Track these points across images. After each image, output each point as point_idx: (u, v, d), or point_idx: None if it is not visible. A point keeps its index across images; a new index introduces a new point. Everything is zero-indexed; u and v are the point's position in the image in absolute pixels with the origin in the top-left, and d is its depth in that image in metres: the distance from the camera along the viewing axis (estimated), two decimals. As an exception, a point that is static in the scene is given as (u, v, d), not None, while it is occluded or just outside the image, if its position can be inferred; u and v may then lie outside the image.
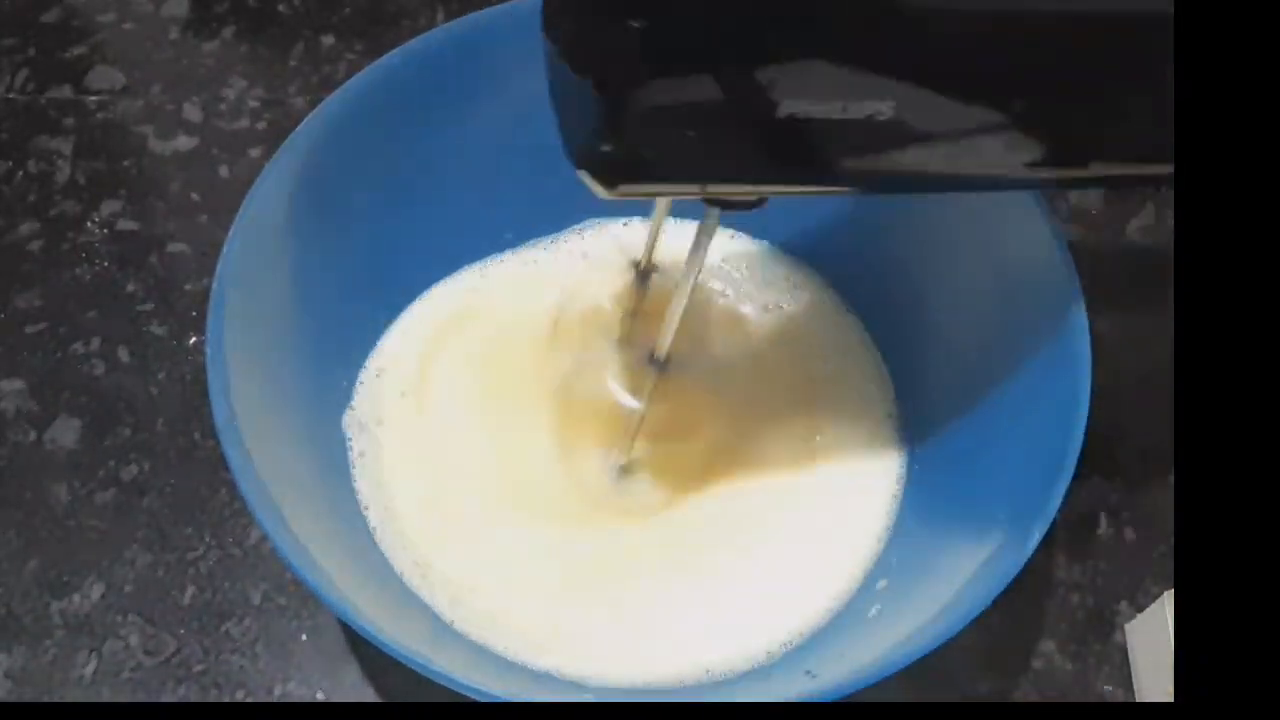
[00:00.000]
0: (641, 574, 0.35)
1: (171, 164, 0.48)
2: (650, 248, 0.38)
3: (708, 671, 0.33)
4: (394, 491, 0.36)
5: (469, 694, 0.26)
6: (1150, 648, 0.35)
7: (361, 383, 0.38)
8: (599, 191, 0.25)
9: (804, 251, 0.42)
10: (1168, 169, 0.26)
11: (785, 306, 0.41)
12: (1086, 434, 0.41)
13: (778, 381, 0.39)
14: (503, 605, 0.34)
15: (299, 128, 0.34)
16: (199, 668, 0.36)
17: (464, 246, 0.41)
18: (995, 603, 0.37)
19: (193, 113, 0.50)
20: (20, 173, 0.48)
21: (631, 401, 0.38)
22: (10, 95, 0.51)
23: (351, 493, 0.36)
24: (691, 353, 0.39)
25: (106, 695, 0.35)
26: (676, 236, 0.39)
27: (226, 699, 0.35)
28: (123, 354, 0.43)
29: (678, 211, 0.40)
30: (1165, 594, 0.35)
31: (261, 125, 0.39)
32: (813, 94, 0.23)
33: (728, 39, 0.22)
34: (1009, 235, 0.34)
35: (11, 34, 0.53)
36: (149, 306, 0.44)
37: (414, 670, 0.26)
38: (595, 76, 0.23)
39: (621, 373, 0.39)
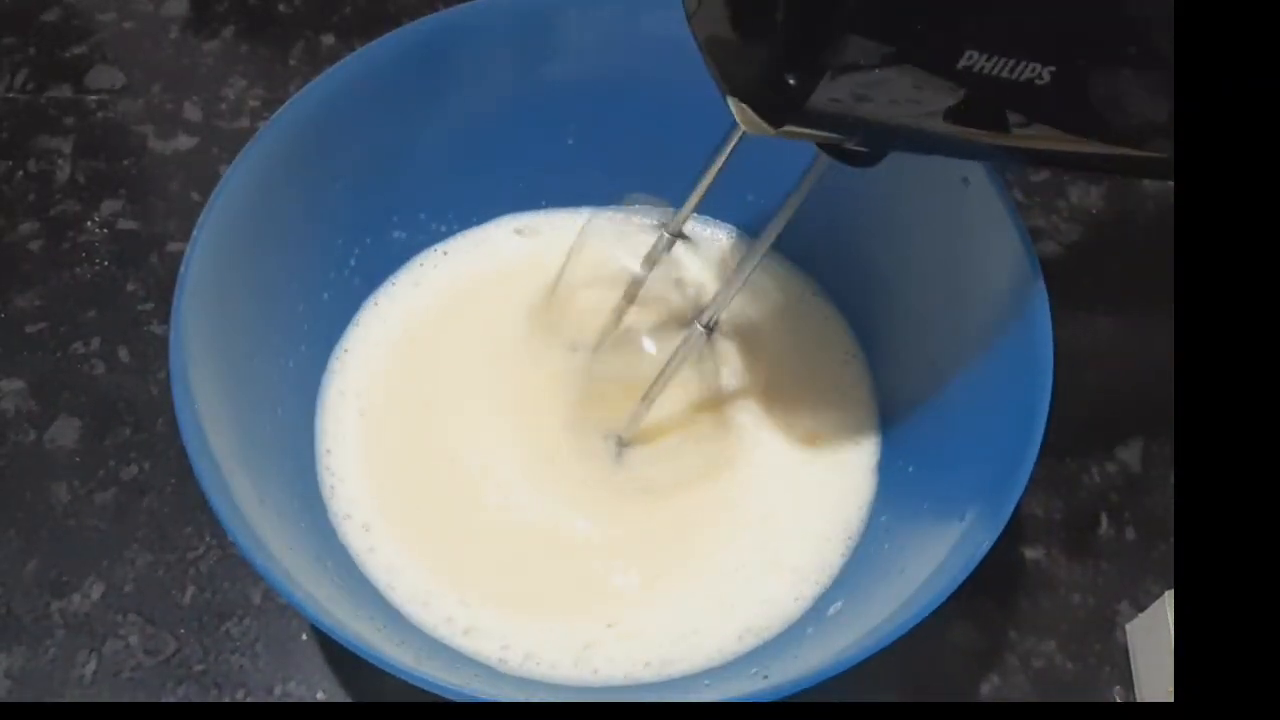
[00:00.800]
0: (608, 576, 0.35)
1: (171, 163, 0.48)
2: (681, 222, 0.38)
3: (652, 667, 0.33)
4: (358, 488, 0.37)
5: (434, 691, 0.27)
6: (1151, 648, 0.35)
7: (334, 372, 0.39)
8: (757, 128, 0.25)
9: (787, 248, 0.42)
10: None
11: (770, 301, 0.42)
12: (1087, 434, 0.41)
13: (750, 374, 0.40)
14: (465, 608, 0.34)
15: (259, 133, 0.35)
16: (199, 667, 0.36)
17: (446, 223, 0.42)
18: (996, 602, 0.38)
19: (193, 112, 0.50)
20: (20, 172, 0.48)
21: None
22: (10, 94, 0.51)
23: (322, 499, 0.36)
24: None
25: (107, 695, 0.35)
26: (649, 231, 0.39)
27: (227, 699, 0.35)
28: (123, 353, 0.43)
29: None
30: (1166, 594, 0.35)
31: (261, 125, 0.39)
32: (991, 46, 0.23)
33: None
34: (976, 232, 0.35)
35: (11, 33, 0.53)
36: (149, 306, 0.44)
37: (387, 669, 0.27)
38: (789, 13, 0.23)
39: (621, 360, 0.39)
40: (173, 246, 0.46)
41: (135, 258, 0.45)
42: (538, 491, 0.37)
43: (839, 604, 0.33)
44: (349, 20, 0.54)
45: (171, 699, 0.35)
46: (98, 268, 0.45)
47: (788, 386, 0.39)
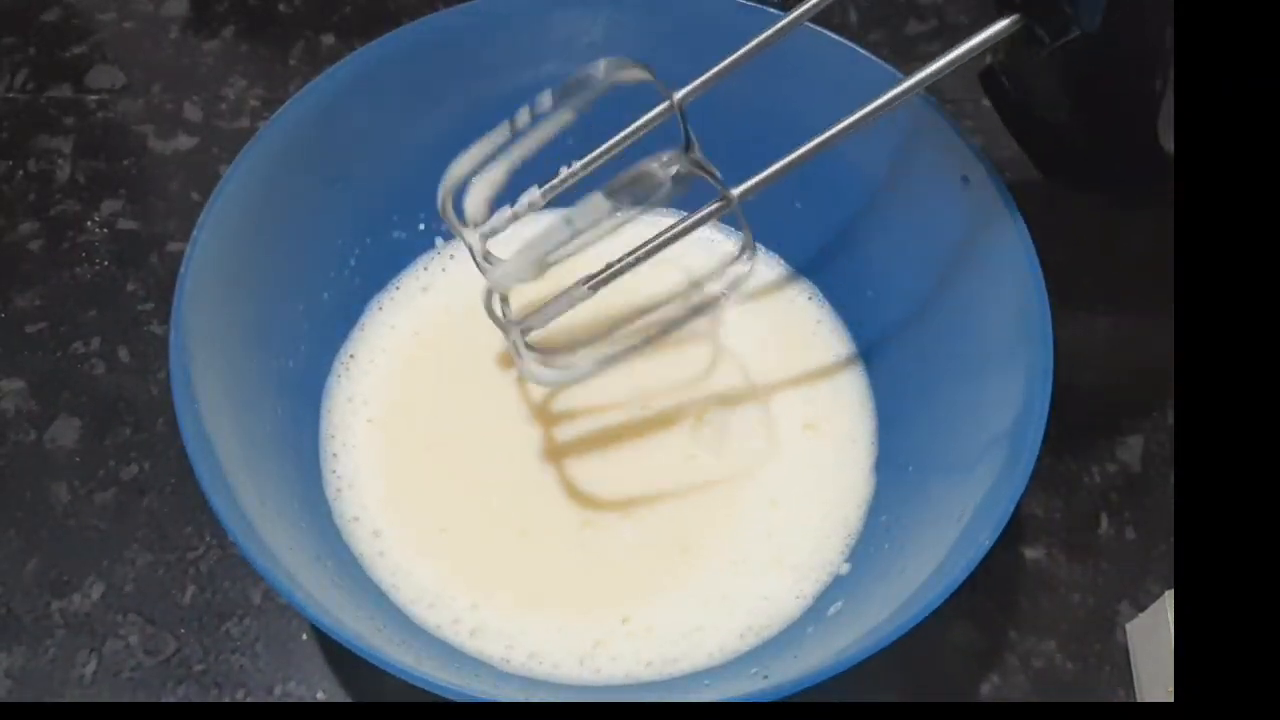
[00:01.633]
0: (615, 575, 0.35)
1: (172, 163, 0.48)
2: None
3: (654, 666, 0.33)
4: (367, 492, 0.37)
5: (432, 690, 0.27)
6: (1151, 648, 0.35)
7: (340, 377, 0.39)
8: None
9: (785, 249, 0.43)
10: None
11: (768, 301, 0.42)
12: (1087, 434, 0.41)
13: (750, 374, 0.40)
14: (474, 610, 0.34)
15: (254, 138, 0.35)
16: (199, 667, 0.36)
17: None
18: (996, 602, 0.38)
19: (193, 112, 0.50)
20: (20, 172, 0.48)
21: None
22: (10, 94, 0.51)
23: (326, 499, 0.36)
24: (669, 344, 0.40)
25: (107, 695, 0.35)
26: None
27: (227, 699, 0.35)
28: (123, 353, 0.43)
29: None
30: (1166, 594, 0.35)
31: (262, 125, 0.39)
32: None
33: None
34: (976, 232, 0.35)
35: (11, 33, 0.53)
36: (149, 306, 0.44)
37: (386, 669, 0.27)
38: None
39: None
40: (173, 246, 0.46)
41: (135, 257, 0.45)
42: (546, 493, 0.37)
43: (839, 604, 0.33)
44: (349, 20, 0.54)
45: (171, 699, 0.35)
46: (98, 267, 0.45)
47: (786, 386, 0.39)
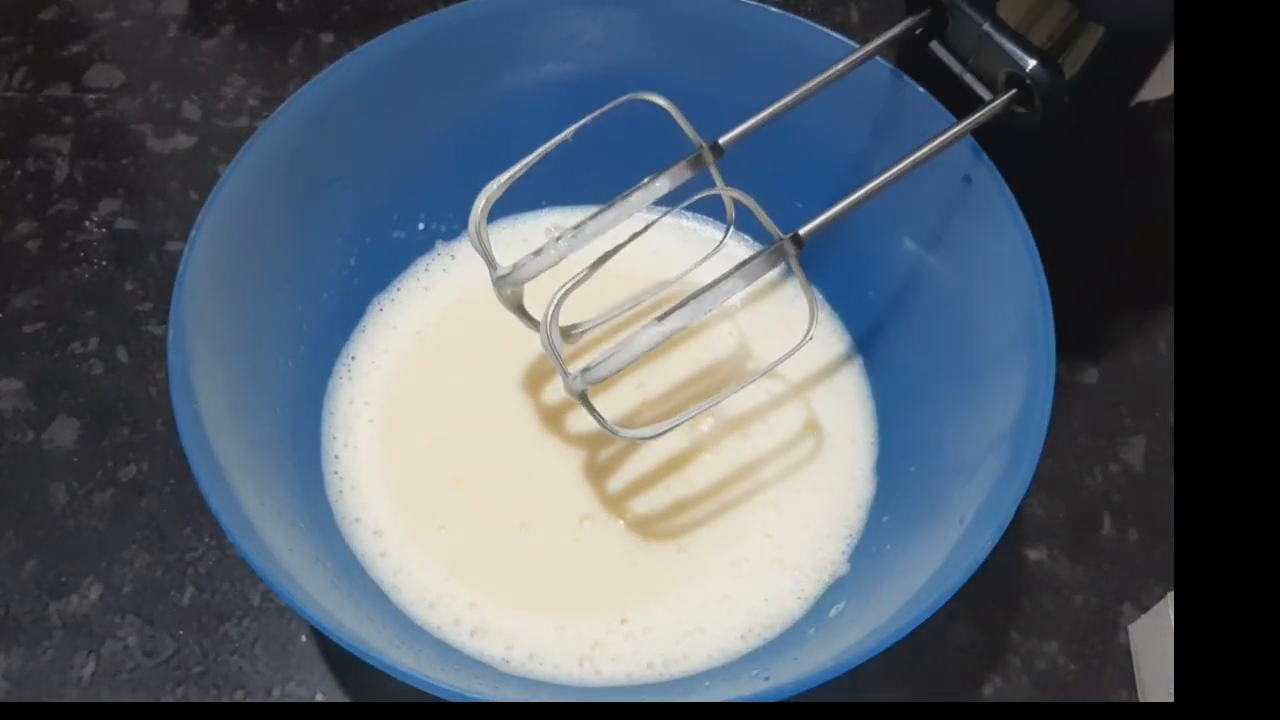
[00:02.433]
0: (616, 575, 0.35)
1: (170, 162, 0.48)
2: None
3: (655, 667, 0.33)
4: (369, 493, 0.37)
5: (431, 691, 0.26)
6: (1154, 648, 0.35)
7: (342, 378, 0.39)
8: None
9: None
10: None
11: (766, 302, 0.42)
12: (1089, 434, 0.41)
13: (750, 374, 0.39)
14: (474, 610, 0.34)
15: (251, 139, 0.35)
16: (198, 668, 0.36)
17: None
18: (999, 603, 0.37)
19: (191, 111, 0.50)
20: (18, 171, 0.48)
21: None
22: (8, 93, 0.50)
23: (328, 501, 0.36)
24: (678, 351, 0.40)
25: (105, 696, 0.35)
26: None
27: (226, 700, 0.35)
28: (121, 354, 0.43)
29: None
30: (1168, 595, 0.35)
31: (260, 124, 0.39)
32: None
33: None
34: (977, 231, 0.35)
35: (9, 32, 0.53)
36: (147, 306, 0.44)
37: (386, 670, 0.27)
38: None
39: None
40: (171, 246, 0.46)
41: (134, 257, 0.45)
42: (546, 488, 0.37)
43: (841, 605, 0.33)
44: (348, 19, 0.54)
45: (170, 700, 0.35)
46: (96, 267, 0.45)
47: (786, 386, 0.39)
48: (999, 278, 0.33)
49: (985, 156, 0.34)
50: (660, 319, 0.31)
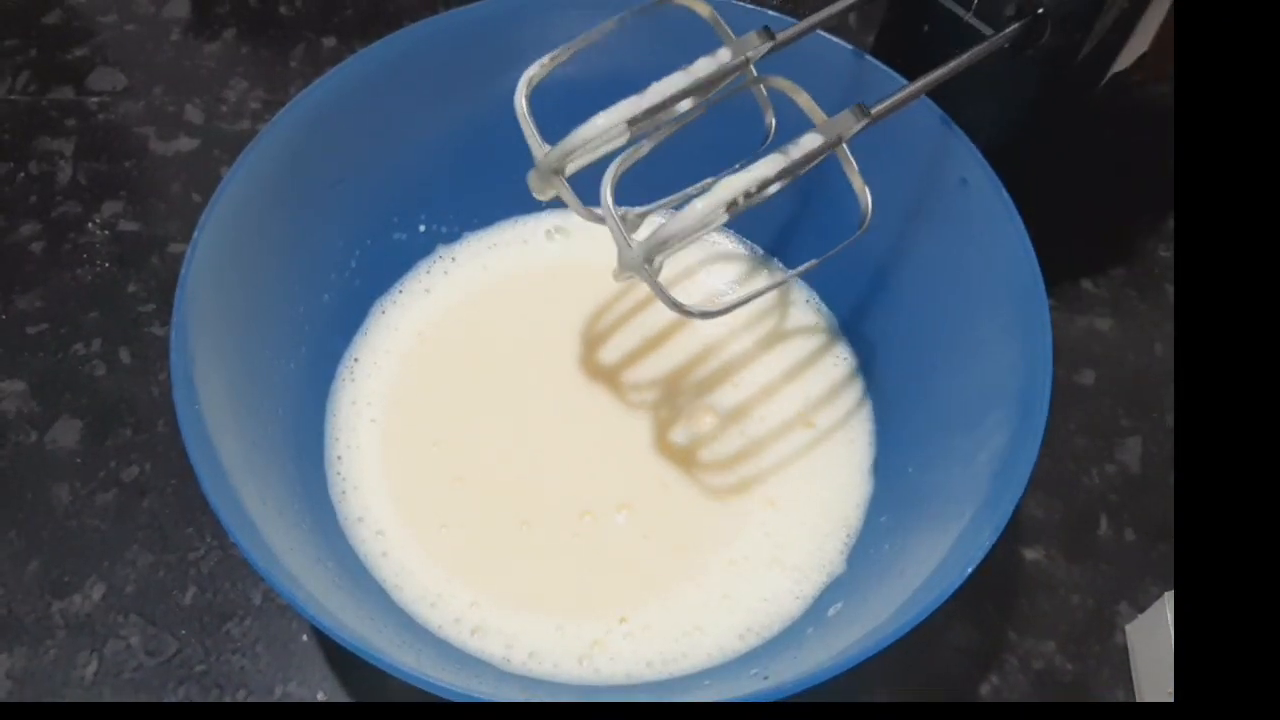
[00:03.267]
0: (616, 574, 0.35)
1: (173, 165, 0.48)
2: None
3: (654, 666, 0.34)
4: (371, 493, 0.37)
5: (431, 691, 0.26)
6: (1151, 648, 0.35)
7: (344, 380, 0.39)
8: None
9: (782, 249, 0.43)
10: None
11: (765, 302, 0.42)
12: (1086, 435, 0.41)
13: (749, 373, 0.40)
14: (475, 609, 0.34)
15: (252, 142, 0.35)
16: (200, 668, 0.36)
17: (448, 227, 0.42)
18: (996, 603, 0.38)
19: (194, 114, 0.50)
20: (22, 174, 0.48)
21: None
22: (12, 96, 0.51)
23: (331, 497, 0.36)
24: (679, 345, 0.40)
25: (108, 696, 0.35)
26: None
27: (228, 699, 0.35)
28: (124, 355, 0.43)
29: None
30: (1166, 594, 0.35)
31: (263, 126, 0.39)
32: None
33: None
34: (975, 232, 0.35)
35: (13, 35, 0.53)
36: (150, 307, 0.44)
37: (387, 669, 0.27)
38: None
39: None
40: (174, 248, 0.46)
41: (136, 259, 0.45)
42: (546, 485, 0.37)
43: (839, 605, 0.33)
44: (350, 22, 0.54)
45: (172, 699, 0.35)
46: (99, 269, 0.45)
47: (785, 386, 0.39)
48: (996, 278, 0.34)
49: (982, 158, 0.34)
50: (738, 169, 0.29)
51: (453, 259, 0.42)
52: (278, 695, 0.36)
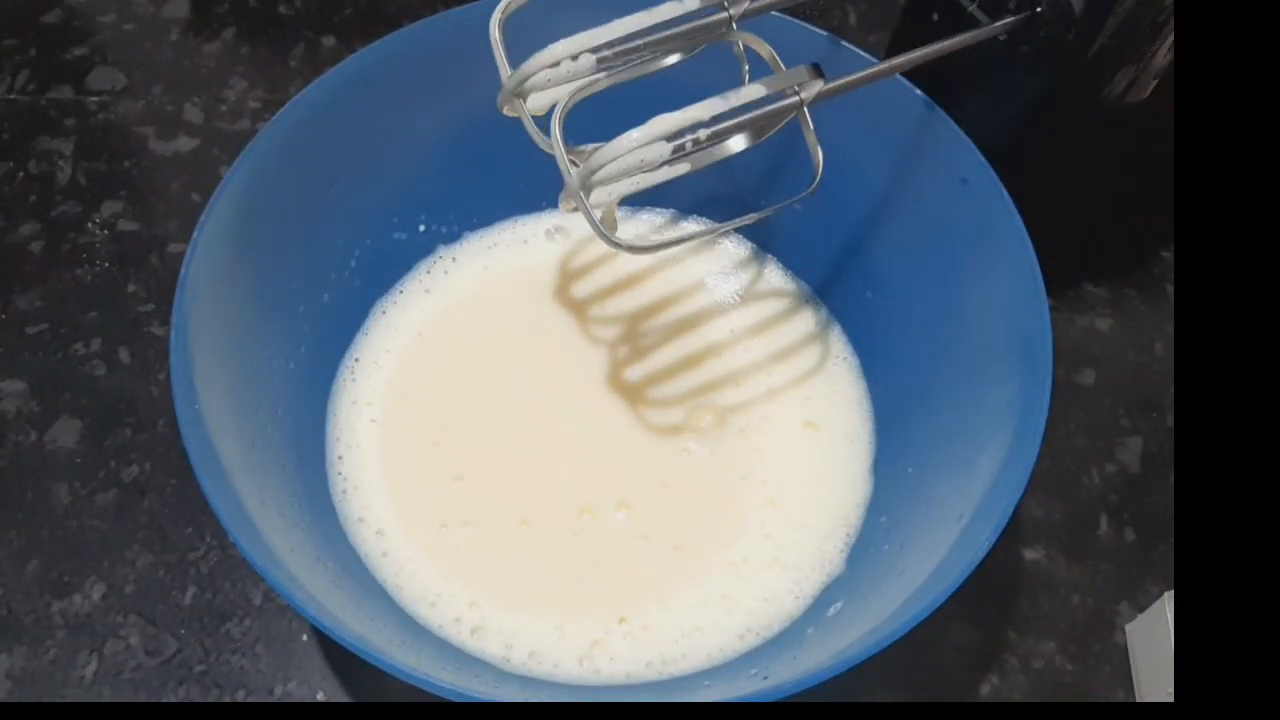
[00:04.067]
0: (616, 574, 0.35)
1: (172, 164, 0.48)
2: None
3: (654, 667, 0.34)
4: (372, 493, 0.37)
5: (431, 691, 0.26)
6: (1151, 648, 0.35)
7: (345, 380, 0.39)
8: None
9: (782, 249, 0.43)
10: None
11: (765, 302, 0.42)
12: (1086, 435, 0.41)
13: (749, 373, 0.40)
14: (474, 609, 0.34)
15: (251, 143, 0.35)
16: (200, 668, 0.36)
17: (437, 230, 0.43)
18: (996, 602, 0.38)
19: (193, 113, 0.50)
20: (21, 173, 0.48)
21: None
22: (11, 96, 0.51)
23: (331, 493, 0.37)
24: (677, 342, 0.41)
25: (107, 695, 0.35)
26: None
27: (227, 699, 0.35)
28: (123, 354, 0.43)
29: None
30: (1166, 594, 0.35)
31: (262, 126, 0.39)
32: None
33: None
34: (974, 232, 0.35)
35: (12, 35, 0.53)
36: (150, 307, 0.44)
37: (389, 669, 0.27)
38: None
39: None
40: (173, 247, 0.46)
41: (136, 259, 0.45)
42: (546, 484, 0.37)
43: (839, 604, 0.33)
44: (349, 22, 0.54)
45: (172, 699, 0.35)
46: (98, 269, 0.45)
47: (785, 385, 0.39)
48: (996, 278, 0.34)
49: (982, 158, 0.34)
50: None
51: (453, 259, 0.42)
52: (277, 695, 0.36)
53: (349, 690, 0.36)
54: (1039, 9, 0.34)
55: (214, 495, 0.28)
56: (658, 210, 0.44)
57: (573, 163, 0.30)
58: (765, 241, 0.43)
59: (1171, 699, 0.34)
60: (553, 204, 0.43)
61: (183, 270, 0.31)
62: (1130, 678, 0.36)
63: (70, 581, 0.38)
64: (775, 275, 0.42)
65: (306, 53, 0.53)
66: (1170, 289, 0.46)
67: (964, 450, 0.33)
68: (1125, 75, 0.37)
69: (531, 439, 0.38)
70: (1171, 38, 0.35)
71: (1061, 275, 0.46)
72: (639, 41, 0.31)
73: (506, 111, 0.32)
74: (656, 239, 0.34)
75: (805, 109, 0.31)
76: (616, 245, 0.30)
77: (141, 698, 0.35)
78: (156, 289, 0.45)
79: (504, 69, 0.32)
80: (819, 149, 0.32)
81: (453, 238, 0.42)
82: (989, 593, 0.38)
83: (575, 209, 0.30)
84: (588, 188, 0.29)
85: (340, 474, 0.37)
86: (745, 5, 0.32)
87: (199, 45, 0.53)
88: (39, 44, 0.53)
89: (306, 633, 0.37)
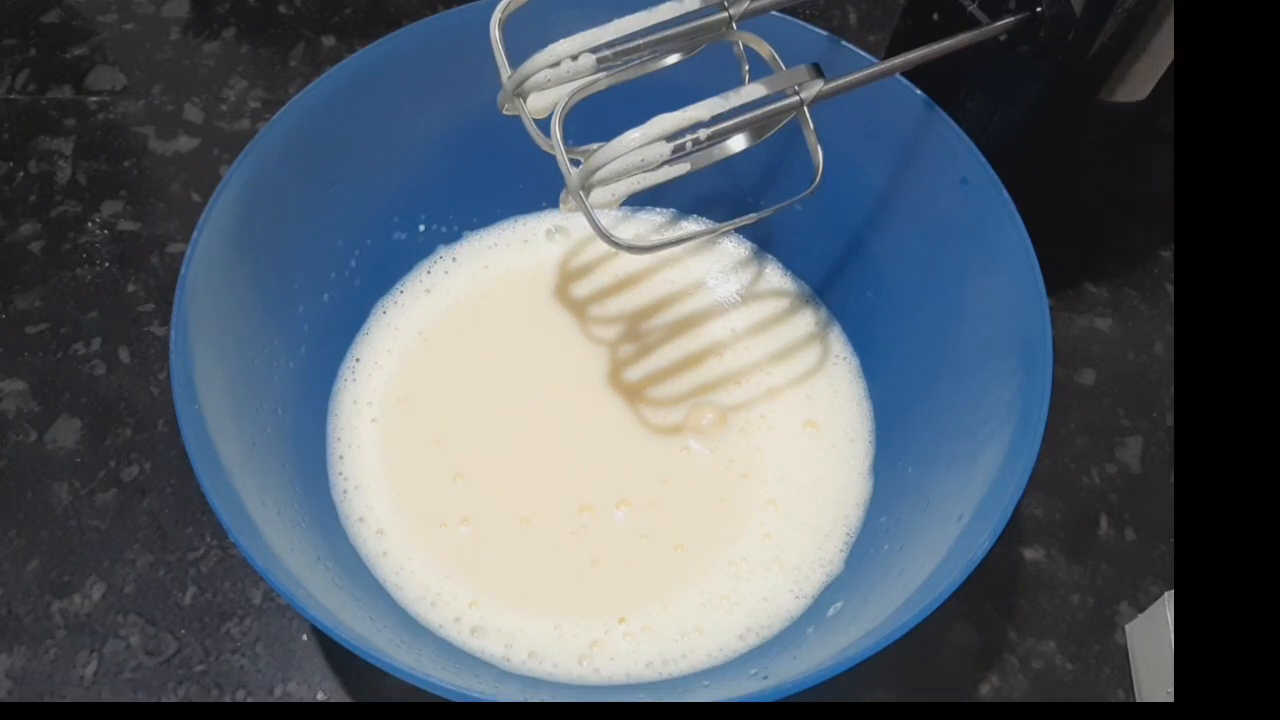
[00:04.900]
0: (616, 574, 0.35)
1: (172, 164, 0.48)
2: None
3: (654, 667, 0.34)
4: (373, 492, 0.37)
5: (432, 691, 0.26)
6: (1151, 648, 0.35)
7: (346, 380, 0.39)
8: None
9: (782, 249, 0.43)
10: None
11: (765, 302, 0.42)
12: (1086, 435, 0.41)
13: (750, 373, 0.40)
14: (474, 608, 0.34)
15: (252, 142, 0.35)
16: (200, 668, 0.36)
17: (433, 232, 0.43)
18: (996, 602, 0.38)
19: (193, 113, 0.50)
20: (21, 173, 0.48)
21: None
22: (11, 96, 0.51)
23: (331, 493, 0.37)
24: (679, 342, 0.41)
25: (107, 695, 0.35)
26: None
27: (227, 699, 0.35)
28: (123, 354, 0.43)
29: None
30: (1165, 594, 0.35)
31: (262, 126, 0.39)
32: None
33: None
34: (975, 232, 0.35)
35: (12, 34, 0.53)
36: (150, 307, 0.44)
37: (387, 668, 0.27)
38: None
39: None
40: (173, 247, 0.46)
41: (136, 259, 0.45)
42: (546, 482, 0.37)
43: (839, 604, 0.33)
44: (349, 21, 0.54)
45: (172, 699, 0.35)
46: (98, 269, 0.45)
47: (785, 385, 0.39)
48: (996, 278, 0.34)
49: (982, 158, 0.34)
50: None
51: (453, 259, 0.42)
52: (277, 695, 0.36)
53: (349, 690, 0.36)
54: (1039, 9, 0.34)
55: (214, 495, 0.28)
56: (658, 210, 0.44)
57: (573, 162, 0.30)
58: (765, 241, 0.43)
59: (1171, 699, 0.34)
60: (553, 204, 0.43)
61: (183, 270, 0.31)
62: (1130, 678, 0.36)
63: (70, 581, 0.38)
64: (775, 275, 0.42)
65: (306, 53, 0.53)
66: (1170, 289, 0.46)
67: (964, 450, 0.33)
68: (1125, 75, 0.37)
69: (532, 438, 0.38)
70: (1172, 38, 0.35)
71: (1061, 275, 0.46)
72: (639, 41, 0.31)
73: (506, 111, 0.32)
74: (656, 239, 0.35)
75: (805, 109, 0.31)
76: (616, 245, 0.30)
77: (141, 698, 0.35)
78: (156, 289, 0.45)
79: (504, 69, 0.32)
80: (819, 149, 0.32)
81: (453, 238, 0.42)
82: (989, 593, 0.38)
83: (575, 209, 0.30)
84: (588, 188, 0.29)
85: (341, 474, 0.37)
86: (745, 5, 0.32)
87: (199, 45, 0.53)
88: (39, 44, 0.53)
89: (306, 633, 0.37)
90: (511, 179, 0.42)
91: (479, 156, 0.41)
